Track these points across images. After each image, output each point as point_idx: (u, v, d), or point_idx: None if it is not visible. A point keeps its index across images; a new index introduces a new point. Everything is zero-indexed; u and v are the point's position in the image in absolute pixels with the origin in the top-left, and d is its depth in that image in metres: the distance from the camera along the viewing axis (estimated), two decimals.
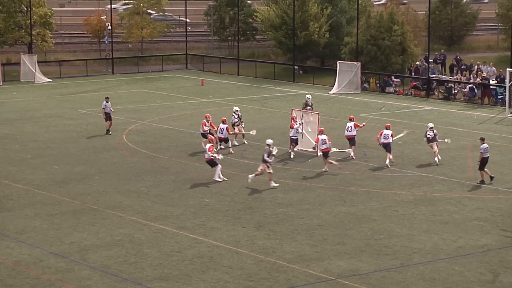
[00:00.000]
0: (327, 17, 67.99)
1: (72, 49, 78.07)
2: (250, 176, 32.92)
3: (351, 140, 37.96)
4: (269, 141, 33.31)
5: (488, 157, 33.31)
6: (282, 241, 26.30)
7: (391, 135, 36.55)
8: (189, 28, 78.83)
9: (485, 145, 33.35)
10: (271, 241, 26.35)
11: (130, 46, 78.85)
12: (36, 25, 68.77)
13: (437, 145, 36.80)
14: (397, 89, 59.31)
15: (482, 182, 33.32)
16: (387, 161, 36.23)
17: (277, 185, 32.62)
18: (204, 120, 39.18)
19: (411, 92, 58.69)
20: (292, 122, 38.37)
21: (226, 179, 33.47)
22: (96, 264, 24.16)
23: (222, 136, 38.57)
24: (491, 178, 33.40)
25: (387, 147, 36.38)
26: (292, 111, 40.02)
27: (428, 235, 27.08)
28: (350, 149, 37.81)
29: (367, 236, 26.90)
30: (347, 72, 59.35)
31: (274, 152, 32.99)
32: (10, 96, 56.15)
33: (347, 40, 64.68)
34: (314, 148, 38.23)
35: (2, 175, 34.46)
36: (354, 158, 37.39)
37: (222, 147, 38.56)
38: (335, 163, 35.53)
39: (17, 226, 27.73)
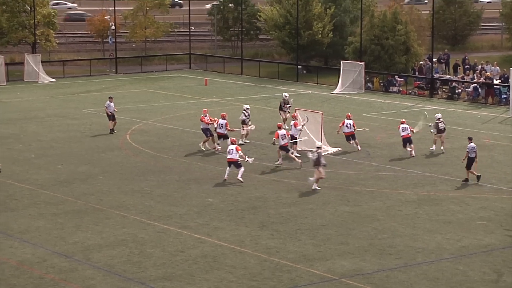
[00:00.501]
0: (330, 17, 67.97)
1: (75, 49, 78.14)
2: (310, 178, 32.51)
3: (352, 136, 38.56)
4: (319, 144, 33.27)
5: (474, 156, 33.30)
6: (285, 241, 26.30)
7: (410, 129, 37.96)
8: (193, 27, 78.80)
9: (472, 144, 33.45)
10: (275, 240, 26.35)
11: (133, 45, 78.89)
12: (40, 25, 68.85)
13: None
14: (400, 89, 59.27)
15: (466, 180, 33.36)
16: (412, 152, 37.61)
17: (319, 189, 32.23)
18: (202, 115, 39.17)
19: (415, 92, 58.65)
20: (296, 121, 38.32)
21: (243, 181, 33.38)
22: (99, 264, 24.18)
23: (222, 132, 38.52)
24: (478, 177, 33.38)
25: (408, 140, 37.74)
26: (296, 111, 39.99)
27: (432, 234, 27.06)
28: (353, 143, 38.72)
29: (371, 235, 26.88)
30: (351, 71, 59.32)
31: (310, 155, 32.84)
32: (13, 96, 56.21)
33: (351, 39, 64.65)
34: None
35: (6, 174, 34.48)
36: (360, 149, 38.16)
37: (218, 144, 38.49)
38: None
39: (21, 226, 27.76)
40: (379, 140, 41.31)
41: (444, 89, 58.08)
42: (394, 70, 61.08)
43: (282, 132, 36.04)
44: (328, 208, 29.92)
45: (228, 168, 33.61)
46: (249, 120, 41.05)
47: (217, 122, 38.68)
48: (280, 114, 44.15)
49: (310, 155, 32.66)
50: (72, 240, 26.30)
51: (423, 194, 31.83)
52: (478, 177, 33.36)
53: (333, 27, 68.08)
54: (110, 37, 71.88)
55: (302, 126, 37.98)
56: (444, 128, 38.91)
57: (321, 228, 27.64)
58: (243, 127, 40.45)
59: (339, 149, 38.97)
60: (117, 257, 24.68)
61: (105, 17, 75.43)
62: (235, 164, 33.45)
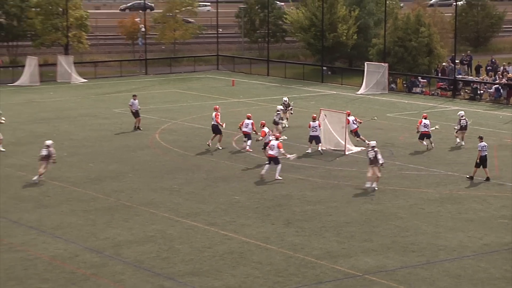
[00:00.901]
0: (355, 19, 67.80)
1: (107, 50, 78.45)
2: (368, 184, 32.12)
3: (427, 136, 38.87)
4: (373, 143, 32.54)
5: (486, 155, 33.13)
6: (310, 238, 26.26)
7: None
8: (220, 30, 78.90)
9: (483, 143, 33.28)
10: (300, 237, 26.31)
11: (163, 47, 79.09)
12: (72, 27, 69.22)
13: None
14: (423, 90, 59.01)
15: (471, 178, 33.25)
16: (431, 144, 38.46)
17: (377, 189, 31.93)
18: (215, 112, 39.21)
19: (438, 93, 58.36)
20: (319, 121, 38.42)
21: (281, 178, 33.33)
22: (129, 259, 24.26)
23: (247, 131, 38.52)
24: (487, 179, 33.15)
25: (427, 136, 38.17)
26: (320, 111, 39.90)
27: (454, 232, 26.91)
28: (360, 139, 39.17)
29: (394, 233, 26.78)
30: (375, 72, 59.15)
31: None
32: (47, 96, 56.55)
33: (375, 41, 64.47)
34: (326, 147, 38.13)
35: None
36: (366, 140, 37.88)
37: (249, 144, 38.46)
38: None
39: (54, 222, 27.91)
40: (402, 140, 41.14)
41: (466, 90, 57.76)
42: (417, 71, 60.83)
43: (265, 129, 36.01)
44: (352, 206, 29.84)
45: (267, 164, 33.66)
46: (289, 109, 41.17)
47: (243, 122, 38.71)
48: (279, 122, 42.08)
49: (369, 155, 32.04)
50: (103, 236, 26.41)
51: (445, 193, 31.66)
52: (488, 179, 33.16)
53: (358, 29, 67.90)
54: (140, 39, 72.11)
55: (319, 125, 37.97)
56: (466, 124, 39.35)
57: (345, 225, 27.57)
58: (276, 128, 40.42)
59: (363, 148, 38.83)
60: (146, 253, 24.75)
61: (136, 19, 75.72)
62: (275, 160, 33.42)
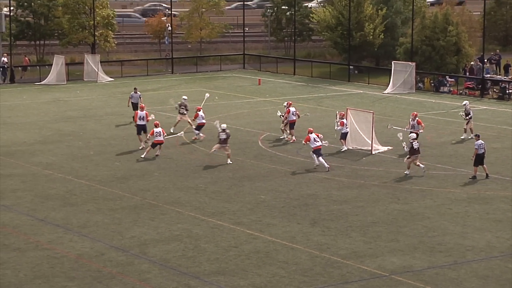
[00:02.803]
0: (382, 18, 67.55)
1: (133, 49, 78.76)
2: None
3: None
4: (413, 135, 34.45)
5: (483, 153, 33.22)
6: (336, 238, 26.22)
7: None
8: (247, 28, 78.92)
9: (480, 141, 33.30)
10: (326, 237, 26.28)
11: (189, 46, 79.27)
12: (99, 26, 69.56)
13: None
14: (451, 89, 58.71)
15: (474, 177, 33.24)
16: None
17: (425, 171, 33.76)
18: (198, 112, 40.24)
19: (465, 92, 58.03)
20: (342, 120, 38.51)
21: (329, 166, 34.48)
22: (155, 258, 24.35)
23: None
24: (487, 176, 33.24)
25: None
26: (347, 110, 39.83)
27: (482, 233, 26.76)
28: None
29: (421, 233, 26.68)
30: (402, 72, 58.91)
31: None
32: (74, 95, 56.86)
33: (402, 40, 64.20)
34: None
35: (66, 171, 34.91)
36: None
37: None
38: (326, 165, 35.16)
39: (80, 221, 28.07)
40: (429, 139, 40.96)
41: (494, 90, 57.38)
42: (445, 70, 60.52)
43: (313, 136, 35.14)
44: (379, 206, 29.76)
45: (315, 156, 34.45)
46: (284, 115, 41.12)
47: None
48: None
49: (414, 145, 33.88)
50: (129, 235, 26.52)
51: (473, 193, 31.49)
52: (487, 176, 33.41)
53: (385, 28, 67.65)
54: (166, 38, 72.31)
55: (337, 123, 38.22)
56: (470, 113, 40.71)
57: (371, 225, 27.50)
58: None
59: (390, 148, 38.74)
60: (172, 252, 24.82)
61: (162, 18, 75.95)
62: (319, 152, 34.43)
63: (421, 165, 34.03)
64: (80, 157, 37.52)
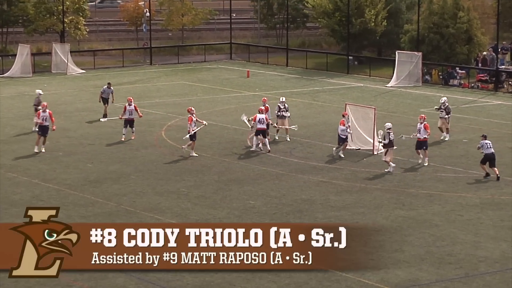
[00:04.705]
0: (384, 3, 67.70)
1: (107, 37, 78.74)
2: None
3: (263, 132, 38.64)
4: (389, 125, 35.53)
5: (492, 153, 33.75)
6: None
7: None
8: (234, 15, 78.96)
9: (486, 141, 33.87)
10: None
11: (169, 34, 79.26)
12: (69, 12, 69.44)
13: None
14: (462, 82, 58.86)
15: (488, 175, 33.84)
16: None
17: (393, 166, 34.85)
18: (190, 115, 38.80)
19: (478, 85, 58.19)
20: (343, 119, 37.91)
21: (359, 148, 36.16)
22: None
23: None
24: (497, 178, 33.64)
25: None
26: (346, 106, 39.86)
27: (496, 242, 26.83)
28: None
29: (428, 243, 26.73)
30: (407, 63, 59.05)
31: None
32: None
33: (407, 28, 64.34)
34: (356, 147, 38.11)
35: (32, 173, 34.83)
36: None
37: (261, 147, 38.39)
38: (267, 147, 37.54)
39: None
40: (438, 138, 41.04)
41: (510, 82, 57.55)
42: (454, 61, 60.67)
43: (261, 116, 37.56)
44: (381, 212, 29.81)
45: (255, 138, 37.08)
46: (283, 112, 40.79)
47: (255, 117, 38.60)
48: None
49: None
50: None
51: (486, 198, 31.58)
52: (487, 175, 33.92)
53: (388, 14, 67.78)
54: (144, 25, 72.29)
55: (348, 126, 37.63)
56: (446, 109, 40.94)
57: (373, 234, 27.50)
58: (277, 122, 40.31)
59: (394, 147, 38.73)
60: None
61: (139, 3, 75.88)
62: (264, 133, 36.95)
63: (392, 164, 34.99)
64: (48, 158, 37.44)
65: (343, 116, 38.23)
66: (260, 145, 38.21)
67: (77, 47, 71.09)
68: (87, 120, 45.84)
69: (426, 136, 36.21)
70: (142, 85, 58.04)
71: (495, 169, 33.74)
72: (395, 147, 35.28)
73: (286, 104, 40.79)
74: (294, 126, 40.31)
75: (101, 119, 45.08)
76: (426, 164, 35.76)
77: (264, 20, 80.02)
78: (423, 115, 37.29)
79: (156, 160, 37.10)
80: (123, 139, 40.26)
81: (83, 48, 72.18)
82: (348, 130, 37.56)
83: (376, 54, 70.54)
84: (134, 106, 40.80)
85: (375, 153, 37.83)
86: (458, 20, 60.83)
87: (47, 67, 64.54)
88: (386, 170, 34.94)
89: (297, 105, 49.02)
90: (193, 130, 37.56)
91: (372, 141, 38.13)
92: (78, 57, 67.05)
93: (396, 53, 60.49)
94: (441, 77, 60.06)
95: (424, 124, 36.17)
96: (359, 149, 38.30)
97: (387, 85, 58.39)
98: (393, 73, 59.47)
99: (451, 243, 26.74)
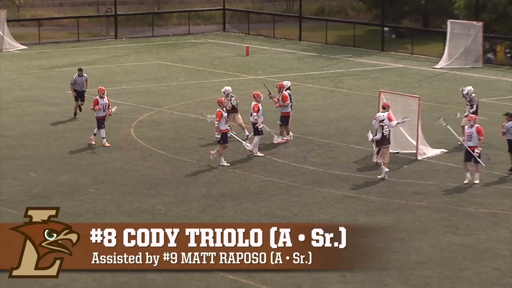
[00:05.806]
0: None
1: (56, 2, 78.76)
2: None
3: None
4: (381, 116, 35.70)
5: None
6: (364, 286, 26.24)
7: None
8: None
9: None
10: (348, 285, 26.29)
11: None
12: None
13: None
14: None
15: None
16: None
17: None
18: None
19: None
20: (389, 113, 37.42)
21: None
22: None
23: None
24: None
25: None
26: (380, 94, 39.81)
27: None
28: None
29: (491, 279, 26.74)
30: (463, 36, 59.10)
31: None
32: None
33: None
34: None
35: None
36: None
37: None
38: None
39: None
40: (504, 138, 41.03)
41: None
42: None
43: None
44: (428, 238, 29.80)
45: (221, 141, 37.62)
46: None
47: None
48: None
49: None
50: (50, 282, 26.45)
51: None
52: None
53: None
54: None
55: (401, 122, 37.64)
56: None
57: (417, 267, 27.54)
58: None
59: (444, 151, 38.80)
60: None
61: None
62: (226, 137, 37.65)
63: (385, 168, 35.31)
64: None
65: (384, 108, 37.57)
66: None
67: (16, 15, 71.12)
68: (31, 114, 45.81)
69: (479, 149, 35.04)
70: (103, 66, 58.08)
71: None
72: (397, 151, 34.99)
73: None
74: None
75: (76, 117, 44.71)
76: (477, 182, 35.46)
77: None
78: (472, 115, 36.91)
79: (123, 168, 37.10)
80: (93, 143, 39.87)
81: (24, 16, 72.22)
82: (401, 121, 37.34)
83: (420, 25, 70.62)
84: (108, 100, 40.10)
85: (419, 158, 37.84)
86: None
87: None
88: (378, 176, 35.07)
89: (314, 94, 49.03)
90: (261, 123, 38.54)
91: (415, 143, 38.10)
92: (18, 28, 67.08)
93: (448, 23, 60.51)
94: (509, 55, 60.11)
95: (477, 127, 35.36)
96: (397, 153, 38.32)
97: (435, 67, 58.44)
98: (444, 50, 59.50)
99: None
